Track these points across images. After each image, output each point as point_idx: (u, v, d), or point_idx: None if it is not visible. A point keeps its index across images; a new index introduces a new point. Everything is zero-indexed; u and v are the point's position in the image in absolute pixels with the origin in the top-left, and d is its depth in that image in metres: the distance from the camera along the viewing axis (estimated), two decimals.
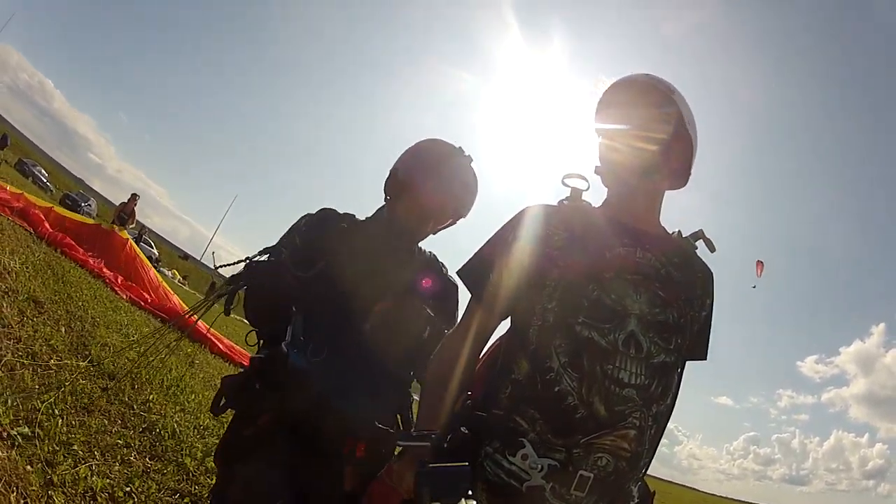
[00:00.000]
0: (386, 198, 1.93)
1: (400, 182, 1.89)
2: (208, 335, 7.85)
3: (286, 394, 1.61)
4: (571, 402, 1.24)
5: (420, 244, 1.98)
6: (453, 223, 2.00)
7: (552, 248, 1.38)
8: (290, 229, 1.90)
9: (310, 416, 1.60)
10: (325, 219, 1.88)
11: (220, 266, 2.02)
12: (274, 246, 1.85)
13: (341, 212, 1.95)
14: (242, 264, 1.89)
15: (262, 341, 1.87)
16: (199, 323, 8.03)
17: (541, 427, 1.26)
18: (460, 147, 1.91)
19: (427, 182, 1.85)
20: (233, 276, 1.90)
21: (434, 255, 1.98)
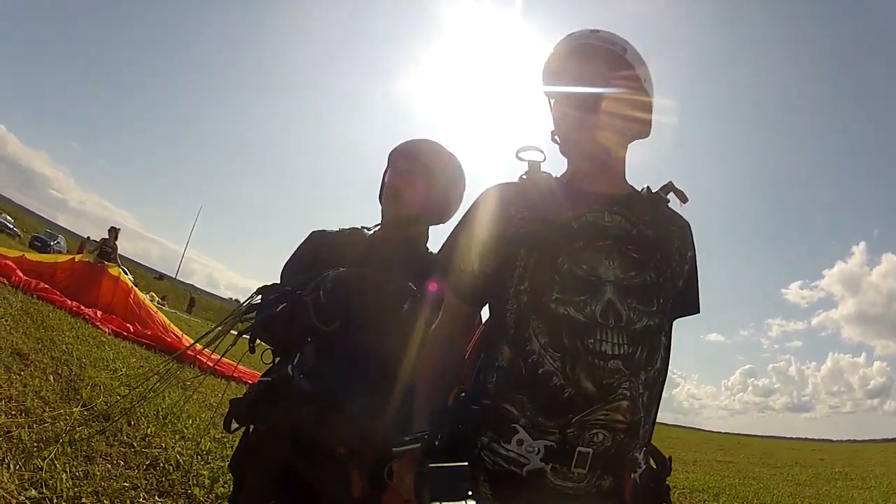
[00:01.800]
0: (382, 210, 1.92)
1: (383, 183, 1.92)
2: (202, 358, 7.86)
3: (291, 414, 1.65)
4: (557, 382, 1.22)
5: (428, 246, 1.95)
6: (444, 211, 1.94)
7: (516, 227, 1.35)
8: (310, 236, 1.94)
9: (314, 426, 1.63)
10: (354, 279, 1.75)
11: (238, 309, 1.99)
12: (292, 290, 1.78)
13: (337, 229, 1.95)
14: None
15: (276, 359, 1.87)
16: (205, 353, 8.07)
17: (531, 411, 1.24)
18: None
19: (397, 164, 1.89)
20: (251, 306, 1.89)
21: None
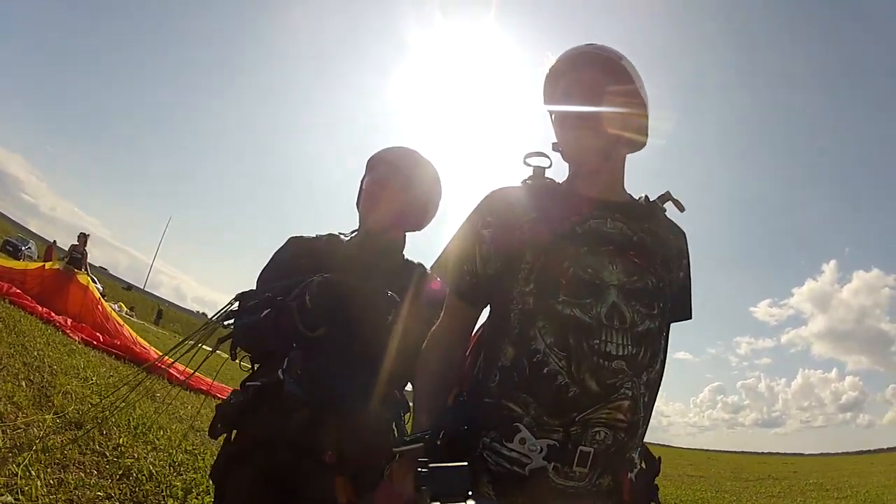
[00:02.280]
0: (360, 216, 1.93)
1: (360, 189, 1.94)
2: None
3: (282, 419, 1.64)
4: (562, 382, 1.24)
5: (406, 255, 1.96)
6: (422, 218, 1.97)
7: (521, 230, 1.37)
8: (289, 241, 1.93)
9: (305, 432, 1.63)
10: (337, 285, 1.73)
11: (216, 315, 1.95)
12: (275, 296, 1.77)
13: (315, 235, 1.95)
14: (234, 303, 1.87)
15: (255, 366, 1.87)
16: (176, 366, 7.99)
17: (535, 410, 1.26)
18: None
19: (375, 170, 1.91)
20: (229, 312, 1.88)
21: (423, 266, 1.91)
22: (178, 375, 7.86)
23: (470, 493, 1.08)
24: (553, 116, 1.51)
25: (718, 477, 18.48)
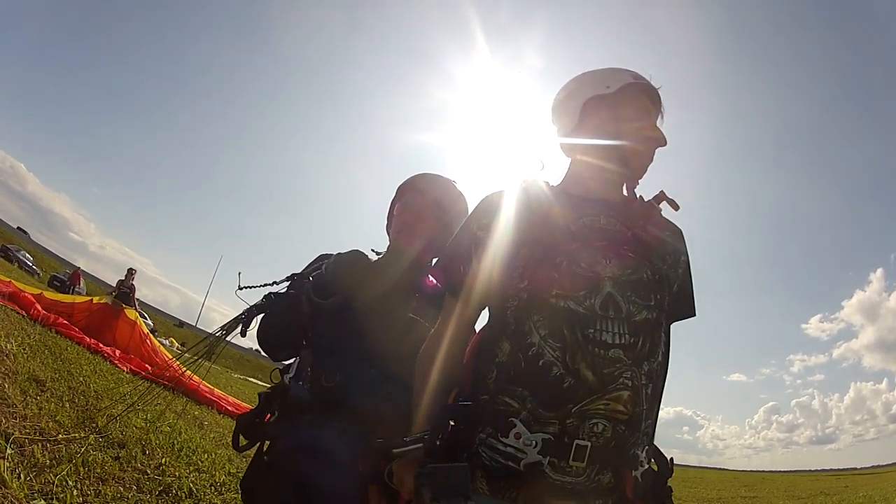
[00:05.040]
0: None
1: (391, 214, 1.95)
2: (213, 396, 7.82)
3: (290, 422, 1.68)
4: (557, 373, 1.23)
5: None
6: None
7: (516, 230, 1.38)
8: (319, 256, 1.95)
9: (322, 439, 1.64)
10: (355, 260, 1.86)
11: (244, 287, 1.98)
12: (300, 273, 1.88)
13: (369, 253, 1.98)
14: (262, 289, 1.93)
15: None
16: (203, 386, 8.04)
17: (531, 403, 1.24)
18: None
19: (404, 196, 1.92)
20: (253, 305, 1.92)
21: None
22: (229, 406, 7.94)
23: (470, 493, 1.14)
24: (601, 113, 1.50)
25: (771, 497, 18.32)
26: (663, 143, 1.47)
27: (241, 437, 1.78)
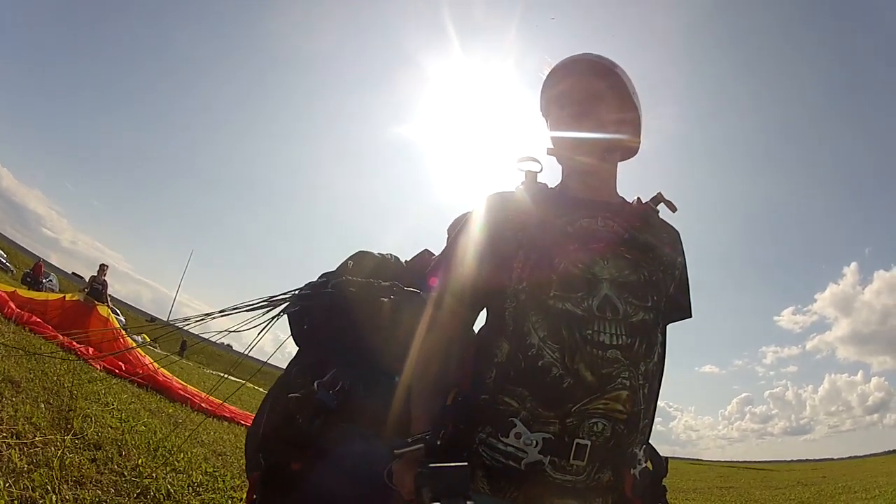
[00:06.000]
0: None
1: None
2: (186, 393, 7.85)
3: (319, 429, 1.65)
4: (556, 373, 1.24)
5: None
6: None
7: (514, 231, 1.39)
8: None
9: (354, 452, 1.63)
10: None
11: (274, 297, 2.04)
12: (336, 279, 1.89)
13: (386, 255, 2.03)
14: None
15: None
16: (175, 383, 8.02)
17: (530, 403, 1.25)
18: None
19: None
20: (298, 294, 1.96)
21: None
22: (203, 404, 7.93)
23: (470, 493, 1.11)
24: (549, 120, 1.53)
25: (748, 487, 18.19)
26: (589, 124, 1.44)
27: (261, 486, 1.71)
